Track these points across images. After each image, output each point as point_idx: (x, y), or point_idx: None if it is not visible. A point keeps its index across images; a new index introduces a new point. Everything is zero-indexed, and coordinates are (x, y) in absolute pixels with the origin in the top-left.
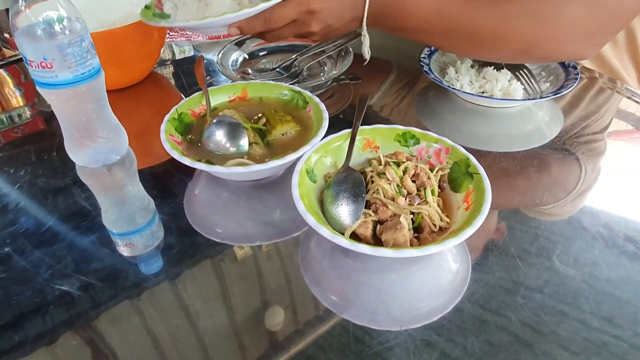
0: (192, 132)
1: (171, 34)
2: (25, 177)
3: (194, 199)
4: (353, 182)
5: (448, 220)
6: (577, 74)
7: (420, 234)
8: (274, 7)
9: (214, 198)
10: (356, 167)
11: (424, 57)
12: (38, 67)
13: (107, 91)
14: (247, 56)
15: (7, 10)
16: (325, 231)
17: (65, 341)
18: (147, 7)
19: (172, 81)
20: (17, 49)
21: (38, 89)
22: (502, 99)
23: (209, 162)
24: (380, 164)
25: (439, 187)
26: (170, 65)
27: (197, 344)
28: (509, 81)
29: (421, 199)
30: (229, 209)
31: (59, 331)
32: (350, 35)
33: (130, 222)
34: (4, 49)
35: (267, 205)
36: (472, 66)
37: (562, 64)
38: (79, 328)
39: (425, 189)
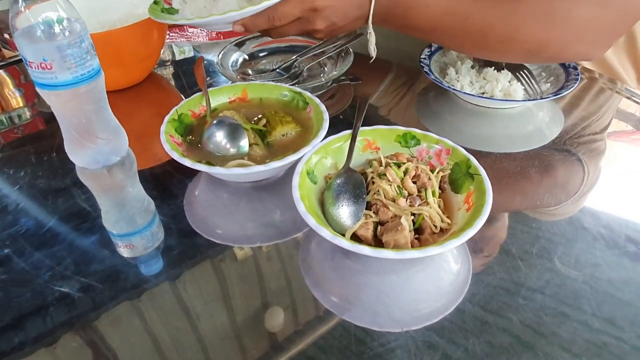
0: (192, 133)
1: (171, 34)
2: (25, 178)
3: (194, 200)
4: (354, 183)
5: (449, 221)
6: (578, 75)
7: (421, 235)
8: (278, 4)
9: (214, 199)
10: (357, 168)
11: (424, 58)
12: (38, 68)
13: (107, 92)
14: (247, 57)
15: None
16: (326, 232)
17: (66, 343)
18: (155, 2)
19: (172, 82)
20: (17, 50)
21: (38, 90)
22: (503, 100)
23: (209, 163)
24: (380, 165)
25: (440, 188)
26: (170, 66)
27: (198, 345)
28: (509, 82)
29: (422, 200)
30: (229, 210)
31: (59, 333)
32: (350, 35)
33: (130, 224)
34: (3, 50)
35: (267, 207)
36: (472, 67)
37: (563, 65)
38: (79, 329)
39: (426, 190)
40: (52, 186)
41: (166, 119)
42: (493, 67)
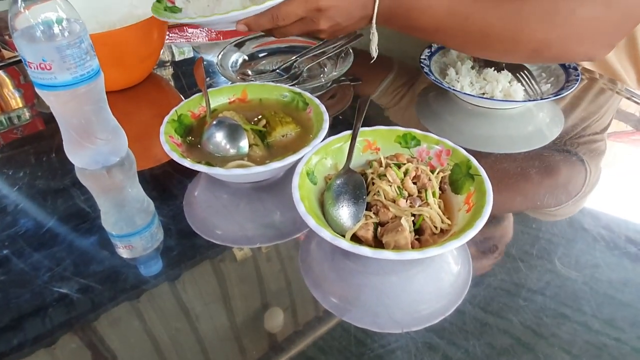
0: (192, 134)
1: (170, 35)
2: (24, 179)
3: (193, 201)
4: (354, 184)
5: (449, 222)
6: (578, 75)
7: (422, 236)
8: (282, 4)
9: (213, 200)
10: (357, 169)
11: (424, 59)
12: (37, 68)
13: (107, 92)
14: (246, 57)
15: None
16: (326, 233)
17: (65, 344)
18: (158, 0)
19: (172, 82)
20: (17, 51)
21: (37, 90)
22: (503, 100)
23: (208, 163)
24: (381, 166)
25: (440, 188)
26: (170, 67)
27: (197, 346)
28: (509, 82)
29: (422, 200)
30: (228, 211)
31: (58, 334)
32: (350, 36)
33: (129, 224)
34: (3, 50)
35: (267, 207)
36: (472, 67)
37: (563, 65)
38: (78, 330)
39: (426, 190)
40: (52, 187)
41: (166, 119)
42: (493, 68)
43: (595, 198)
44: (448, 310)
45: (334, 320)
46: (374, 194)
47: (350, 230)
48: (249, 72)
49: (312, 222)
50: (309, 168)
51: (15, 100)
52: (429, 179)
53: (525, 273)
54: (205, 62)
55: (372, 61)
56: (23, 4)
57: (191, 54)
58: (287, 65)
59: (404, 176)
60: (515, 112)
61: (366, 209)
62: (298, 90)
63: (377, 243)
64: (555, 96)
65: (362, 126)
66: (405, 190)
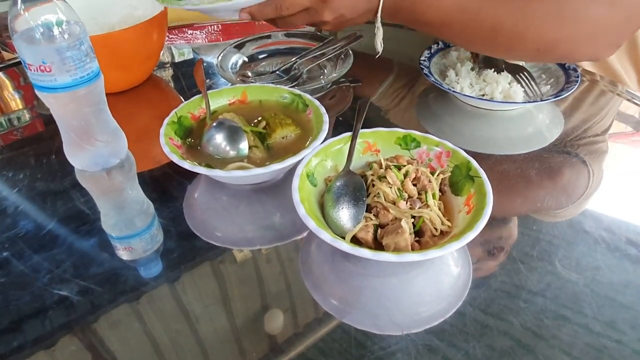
0: (192, 136)
1: (170, 36)
2: (24, 181)
3: (193, 203)
4: (354, 186)
5: (449, 224)
6: (578, 77)
7: (422, 237)
8: None
9: (213, 202)
10: (357, 171)
11: (424, 60)
12: (37, 70)
13: (106, 94)
14: (246, 59)
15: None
16: (326, 235)
17: (65, 346)
18: None
19: (172, 84)
20: (16, 52)
21: (37, 92)
22: (503, 102)
23: (208, 165)
24: (381, 168)
25: (440, 190)
26: (170, 68)
27: (197, 348)
28: (509, 84)
29: (422, 202)
30: (228, 213)
31: (58, 336)
32: (350, 37)
33: (129, 226)
34: (3, 52)
35: (267, 209)
36: (472, 69)
37: (562, 67)
38: (78, 332)
39: (426, 192)
40: (51, 189)
41: (165, 121)
42: (493, 69)
43: (596, 200)
44: (448, 312)
45: (334, 322)
46: (374, 196)
47: (350, 232)
48: (249, 74)
49: (312, 224)
50: (309, 170)
51: (15, 101)
52: (429, 181)
53: (526, 275)
54: (205, 64)
55: (377, 56)
56: (23, 6)
57: (191, 56)
58: (287, 66)
59: (404, 178)
60: (515, 114)
61: (366, 211)
62: (298, 91)
63: (377, 245)
64: (555, 97)
65: (362, 128)
66: (405, 192)
